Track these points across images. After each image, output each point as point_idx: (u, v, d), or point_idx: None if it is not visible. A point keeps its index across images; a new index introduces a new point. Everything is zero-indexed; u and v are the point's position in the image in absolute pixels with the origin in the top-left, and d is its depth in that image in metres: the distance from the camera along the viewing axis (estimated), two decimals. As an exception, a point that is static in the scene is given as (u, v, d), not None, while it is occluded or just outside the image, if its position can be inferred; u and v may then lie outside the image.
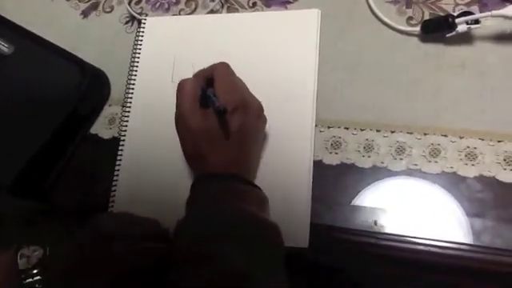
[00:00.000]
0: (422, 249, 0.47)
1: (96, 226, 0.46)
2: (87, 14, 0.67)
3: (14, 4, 0.71)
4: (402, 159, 0.49)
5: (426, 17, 0.53)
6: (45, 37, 0.61)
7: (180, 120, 0.49)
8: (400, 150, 0.50)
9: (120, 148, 0.57)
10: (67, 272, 0.43)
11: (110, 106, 0.62)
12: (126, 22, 0.65)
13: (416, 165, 0.49)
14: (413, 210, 0.48)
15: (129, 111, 0.59)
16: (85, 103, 0.59)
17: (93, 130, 0.61)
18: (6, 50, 0.60)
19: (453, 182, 0.47)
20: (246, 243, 0.42)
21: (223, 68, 0.50)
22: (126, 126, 0.58)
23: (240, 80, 0.51)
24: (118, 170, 0.57)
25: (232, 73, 0.50)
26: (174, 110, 0.50)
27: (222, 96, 0.47)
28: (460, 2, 0.52)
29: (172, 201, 0.53)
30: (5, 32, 0.61)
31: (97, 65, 0.62)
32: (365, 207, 0.49)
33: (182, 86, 0.49)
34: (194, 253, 0.41)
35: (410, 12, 0.54)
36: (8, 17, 0.63)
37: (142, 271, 0.43)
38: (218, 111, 0.45)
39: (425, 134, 0.50)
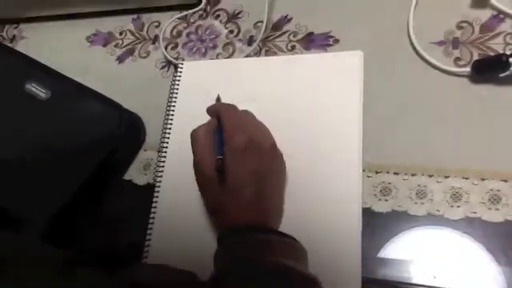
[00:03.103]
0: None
1: (133, 276, 0.43)
2: (123, 60, 0.67)
3: (50, 50, 0.72)
4: (459, 206, 0.46)
5: (475, 57, 0.51)
6: (81, 82, 0.61)
7: (197, 170, 0.48)
8: (456, 196, 0.46)
9: (155, 195, 0.55)
10: None
11: (145, 151, 0.60)
12: (162, 67, 0.64)
13: (475, 212, 0.45)
14: (474, 261, 0.44)
15: (165, 156, 0.57)
16: (120, 149, 0.58)
17: (127, 176, 0.59)
18: (42, 95, 0.60)
19: (518, 232, 0.44)
20: None
21: (228, 109, 0.49)
22: (162, 171, 0.56)
23: (250, 118, 0.49)
24: (153, 218, 0.54)
25: (237, 112, 0.49)
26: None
27: (228, 140, 0.45)
28: (511, 42, 0.50)
29: (209, 251, 0.50)
30: (41, 77, 0.61)
31: (132, 109, 0.61)
32: (421, 259, 0.45)
33: (195, 135, 0.48)
34: None
35: (457, 53, 0.52)
36: (45, 63, 0.64)
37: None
38: (216, 162, 0.44)
39: (482, 179, 0.46)
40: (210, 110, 0.51)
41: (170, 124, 0.58)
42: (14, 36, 0.77)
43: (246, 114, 0.50)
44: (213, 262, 0.44)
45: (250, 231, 0.43)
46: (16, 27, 0.77)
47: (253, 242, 0.43)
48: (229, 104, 0.51)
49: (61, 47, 0.72)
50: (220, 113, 0.49)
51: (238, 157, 0.44)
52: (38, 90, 0.60)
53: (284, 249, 0.43)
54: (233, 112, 0.49)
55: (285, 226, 0.48)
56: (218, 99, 0.55)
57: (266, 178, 0.46)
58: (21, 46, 0.75)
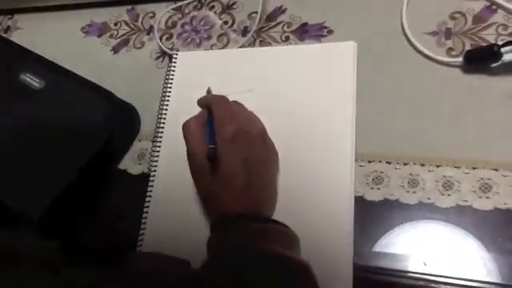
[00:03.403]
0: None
1: (126, 264, 0.44)
2: (118, 50, 0.67)
3: (45, 41, 0.72)
4: (450, 195, 0.46)
5: (467, 48, 0.51)
6: (76, 72, 0.61)
7: (190, 160, 0.49)
8: (447, 185, 0.47)
9: (150, 184, 0.55)
10: None
11: (139, 141, 0.60)
12: (157, 58, 0.64)
13: (466, 201, 0.46)
14: (464, 249, 0.44)
15: (159, 146, 0.57)
16: (115, 138, 0.58)
17: (121, 166, 0.59)
18: (37, 85, 0.60)
19: (508, 219, 0.44)
20: (271, 284, 0.39)
21: (219, 100, 0.50)
22: (157, 161, 0.56)
23: (240, 108, 0.50)
24: (148, 207, 0.54)
25: (228, 103, 0.50)
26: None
27: (218, 130, 0.46)
28: (502, 33, 0.51)
29: (203, 240, 0.50)
30: (36, 67, 0.61)
31: (127, 100, 0.61)
32: (412, 246, 0.46)
33: (186, 127, 0.49)
34: None
35: (449, 43, 0.52)
36: (40, 53, 0.64)
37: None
38: (208, 151, 0.45)
39: (473, 168, 0.47)
40: (200, 102, 0.52)
41: (165, 114, 0.59)
42: (8, 27, 0.76)
43: (237, 104, 0.51)
44: (206, 250, 0.45)
45: (242, 219, 0.44)
46: (11, 18, 0.77)
47: (246, 230, 0.43)
48: (219, 95, 0.51)
49: (56, 38, 0.72)
50: (211, 104, 0.49)
51: (228, 146, 0.45)
52: (33, 80, 0.60)
53: (277, 236, 0.43)
54: (223, 103, 0.49)
55: (277, 214, 0.49)
56: (209, 91, 0.55)
57: (256, 164, 0.46)
58: (15, 37, 0.75)
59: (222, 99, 0.50)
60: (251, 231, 0.43)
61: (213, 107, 0.49)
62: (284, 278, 0.39)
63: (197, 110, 0.57)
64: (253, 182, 0.46)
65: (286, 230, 0.44)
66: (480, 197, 0.46)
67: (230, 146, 0.45)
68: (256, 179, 0.46)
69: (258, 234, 0.43)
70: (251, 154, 0.46)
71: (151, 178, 0.56)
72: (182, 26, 0.65)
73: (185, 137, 0.49)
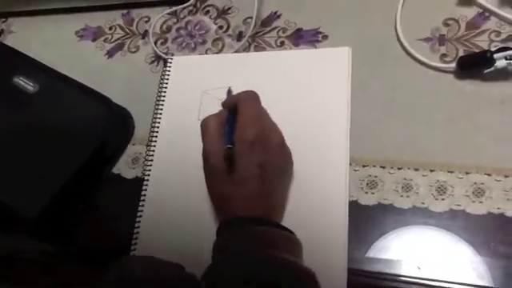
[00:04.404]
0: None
1: (122, 269, 0.44)
2: (112, 54, 0.67)
3: (39, 45, 0.72)
4: (443, 199, 0.47)
5: (461, 54, 0.52)
6: (70, 76, 0.61)
7: (204, 159, 0.48)
8: (441, 189, 0.47)
9: (144, 188, 0.55)
10: None
11: (133, 145, 0.60)
12: (152, 62, 0.64)
13: (459, 205, 0.46)
14: (457, 252, 0.45)
15: (153, 150, 0.57)
16: (109, 142, 0.58)
17: (115, 170, 0.59)
18: (30, 88, 0.59)
19: (500, 224, 0.44)
20: None
21: (248, 99, 0.49)
22: (151, 165, 0.56)
23: (264, 113, 0.49)
24: (142, 211, 0.54)
25: (256, 103, 0.48)
26: (201, 150, 0.49)
27: (240, 130, 0.45)
28: (495, 39, 0.51)
29: (196, 244, 0.50)
30: (30, 71, 0.61)
31: (121, 104, 0.61)
32: (406, 250, 0.46)
33: (205, 124, 0.48)
34: None
35: (443, 49, 0.53)
36: (34, 57, 0.64)
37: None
38: (225, 151, 0.44)
39: (467, 173, 0.47)
40: (226, 104, 0.51)
41: (159, 118, 0.59)
42: (2, 30, 0.76)
43: (262, 109, 0.49)
44: (211, 253, 0.44)
45: (248, 222, 0.43)
46: (4, 21, 0.77)
47: (252, 233, 0.43)
48: (249, 92, 0.49)
49: (50, 42, 0.72)
50: (239, 102, 0.48)
51: (247, 148, 0.44)
52: (26, 84, 0.60)
53: (283, 242, 0.43)
54: (254, 102, 0.48)
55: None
56: (230, 92, 0.54)
57: (271, 171, 0.45)
58: (9, 41, 0.74)
59: (254, 97, 0.49)
60: (257, 235, 0.43)
61: (241, 105, 0.47)
62: (292, 286, 0.39)
63: (191, 113, 0.57)
64: (266, 188, 0.45)
65: (291, 236, 0.44)
66: (473, 201, 0.46)
67: (249, 149, 0.44)
68: (269, 185, 0.45)
69: (263, 239, 0.42)
70: (268, 160, 0.45)
71: (145, 182, 0.56)
72: (177, 30, 0.65)
73: (202, 135, 0.48)
